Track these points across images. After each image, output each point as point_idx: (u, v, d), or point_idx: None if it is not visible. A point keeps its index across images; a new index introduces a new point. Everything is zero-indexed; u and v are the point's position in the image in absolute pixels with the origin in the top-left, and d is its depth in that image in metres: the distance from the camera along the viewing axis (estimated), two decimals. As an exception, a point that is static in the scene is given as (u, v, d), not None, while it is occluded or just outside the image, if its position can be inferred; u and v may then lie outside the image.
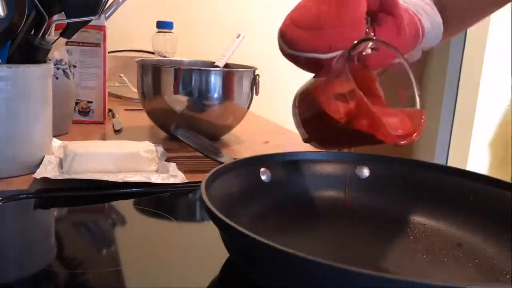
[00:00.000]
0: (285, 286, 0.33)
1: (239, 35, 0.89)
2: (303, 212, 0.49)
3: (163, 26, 1.34)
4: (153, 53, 1.38)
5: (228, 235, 0.36)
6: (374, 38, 0.46)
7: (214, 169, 0.44)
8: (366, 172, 0.52)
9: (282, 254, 0.29)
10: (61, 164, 0.60)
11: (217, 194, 0.41)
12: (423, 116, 0.44)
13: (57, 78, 0.79)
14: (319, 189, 0.52)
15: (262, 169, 0.50)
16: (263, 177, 0.49)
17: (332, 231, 0.46)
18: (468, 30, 2.72)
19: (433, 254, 0.43)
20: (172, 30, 1.35)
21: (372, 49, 0.46)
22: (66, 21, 0.62)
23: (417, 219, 0.49)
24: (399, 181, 0.51)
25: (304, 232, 0.46)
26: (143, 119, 0.98)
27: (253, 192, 0.48)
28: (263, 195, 0.48)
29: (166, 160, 0.65)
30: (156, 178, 0.57)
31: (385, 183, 0.51)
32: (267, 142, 0.88)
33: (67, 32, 0.64)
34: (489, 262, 0.41)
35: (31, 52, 0.60)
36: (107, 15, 0.98)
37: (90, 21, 0.64)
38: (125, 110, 1.08)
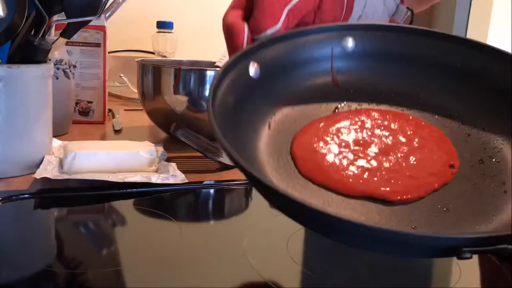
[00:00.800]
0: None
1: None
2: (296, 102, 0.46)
3: (163, 26, 1.34)
4: (153, 53, 1.38)
5: (252, 182, 0.34)
6: None
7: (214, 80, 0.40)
8: (351, 43, 0.48)
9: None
10: (61, 164, 0.60)
11: (218, 115, 0.37)
12: None
13: (57, 78, 0.79)
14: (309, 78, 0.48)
15: (250, 64, 0.44)
16: (252, 73, 0.44)
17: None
18: (468, 30, 2.73)
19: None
20: (172, 30, 1.35)
21: None
22: (66, 21, 0.62)
23: (410, 90, 0.46)
24: (386, 51, 0.48)
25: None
26: (143, 119, 0.98)
27: (247, 97, 0.43)
28: (257, 96, 0.44)
29: (166, 160, 0.65)
30: (156, 178, 0.57)
31: (371, 55, 0.48)
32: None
33: (67, 32, 0.64)
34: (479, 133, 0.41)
35: (31, 52, 0.60)
36: (107, 15, 0.98)
37: (90, 21, 0.64)
38: (125, 110, 1.08)
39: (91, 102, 0.91)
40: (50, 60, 0.65)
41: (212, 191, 0.59)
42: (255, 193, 0.58)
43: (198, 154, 0.65)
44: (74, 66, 0.88)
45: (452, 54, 0.45)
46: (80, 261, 0.40)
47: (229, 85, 0.42)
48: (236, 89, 0.42)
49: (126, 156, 0.60)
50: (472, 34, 2.73)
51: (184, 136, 0.65)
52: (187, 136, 0.66)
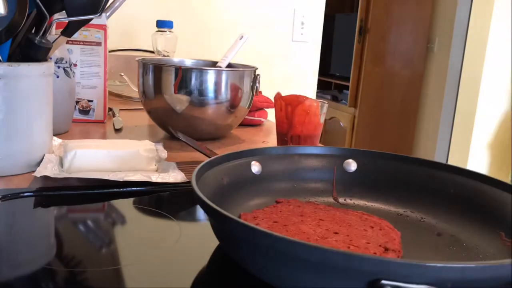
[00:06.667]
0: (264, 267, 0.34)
1: (242, 37, 0.89)
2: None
3: (163, 25, 1.34)
4: (153, 52, 1.38)
5: (211, 217, 0.38)
6: None
7: (206, 160, 0.45)
8: (353, 166, 0.54)
9: (256, 232, 0.31)
10: (61, 163, 0.60)
11: (209, 183, 0.43)
12: None
13: (58, 77, 0.79)
14: (307, 182, 0.54)
15: (253, 162, 0.51)
16: (254, 170, 0.51)
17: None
18: (469, 31, 2.73)
19: (412, 241, 0.44)
20: (172, 30, 1.35)
21: None
22: (67, 20, 0.62)
23: (401, 210, 0.50)
24: (385, 175, 0.53)
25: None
26: (143, 118, 0.98)
27: (243, 183, 0.49)
28: (253, 186, 0.50)
29: (166, 160, 0.65)
30: (156, 177, 0.57)
31: (371, 177, 0.53)
32: (264, 141, 0.88)
33: (68, 30, 0.64)
34: (464, 250, 0.43)
35: (32, 51, 0.60)
36: (108, 14, 0.98)
37: (91, 19, 0.64)
38: (125, 109, 1.08)
39: (91, 101, 0.92)
40: (50, 58, 0.65)
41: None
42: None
43: (198, 153, 0.65)
44: (75, 65, 0.88)
45: (444, 182, 0.50)
46: (80, 260, 0.40)
47: (228, 168, 0.48)
48: (234, 175, 0.49)
49: (126, 155, 0.60)
50: (473, 35, 2.74)
51: (185, 138, 0.66)
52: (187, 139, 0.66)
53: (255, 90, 0.85)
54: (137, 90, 0.87)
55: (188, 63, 0.94)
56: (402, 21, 3.11)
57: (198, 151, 0.65)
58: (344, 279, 0.30)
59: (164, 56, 1.33)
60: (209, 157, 0.60)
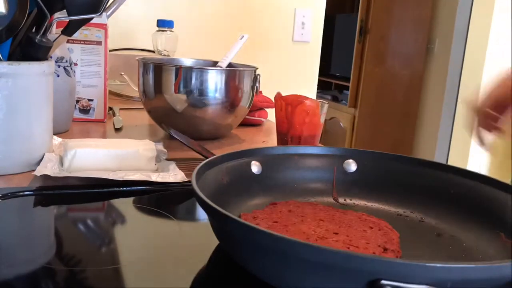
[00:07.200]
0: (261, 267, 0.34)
1: (242, 36, 0.89)
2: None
3: (164, 24, 1.34)
4: (153, 51, 1.38)
5: (211, 216, 0.38)
6: None
7: (206, 160, 0.46)
8: (353, 166, 0.54)
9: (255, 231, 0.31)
10: (61, 162, 0.60)
11: (209, 183, 0.44)
12: None
13: (58, 76, 0.79)
14: (307, 182, 0.54)
15: (253, 162, 0.51)
16: (254, 170, 0.51)
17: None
18: (469, 32, 2.73)
19: (412, 241, 0.44)
20: (172, 29, 1.35)
21: None
22: (67, 19, 0.62)
23: (401, 210, 0.50)
24: (385, 175, 0.53)
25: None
26: (143, 118, 0.98)
27: (243, 183, 0.49)
28: (253, 186, 0.50)
29: (166, 159, 0.65)
30: (156, 177, 0.57)
31: (371, 177, 0.53)
32: (264, 141, 0.88)
33: (68, 29, 0.64)
34: (463, 250, 0.43)
35: (32, 50, 0.60)
36: (108, 13, 0.98)
37: (91, 19, 0.64)
38: (125, 108, 1.08)
39: (91, 100, 0.91)
40: (51, 57, 0.65)
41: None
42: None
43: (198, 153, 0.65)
44: (75, 64, 0.88)
45: (444, 182, 0.50)
46: (80, 259, 0.40)
47: (228, 168, 0.48)
48: (234, 174, 0.48)
49: (126, 154, 0.60)
50: (473, 35, 2.74)
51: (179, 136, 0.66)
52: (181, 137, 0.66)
53: (255, 90, 0.85)
54: (137, 90, 0.87)
55: (189, 62, 0.94)
56: (402, 22, 3.11)
57: (191, 149, 0.65)
58: (344, 279, 0.30)
59: (164, 55, 1.33)
60: (204, 156, 0.60)
